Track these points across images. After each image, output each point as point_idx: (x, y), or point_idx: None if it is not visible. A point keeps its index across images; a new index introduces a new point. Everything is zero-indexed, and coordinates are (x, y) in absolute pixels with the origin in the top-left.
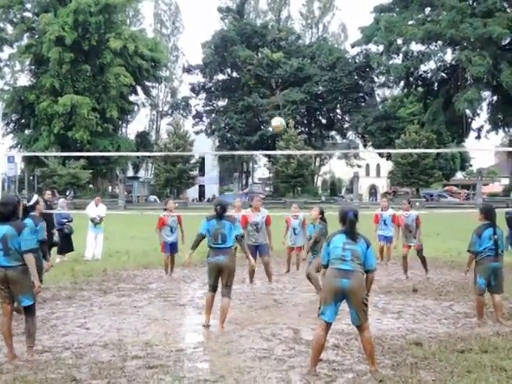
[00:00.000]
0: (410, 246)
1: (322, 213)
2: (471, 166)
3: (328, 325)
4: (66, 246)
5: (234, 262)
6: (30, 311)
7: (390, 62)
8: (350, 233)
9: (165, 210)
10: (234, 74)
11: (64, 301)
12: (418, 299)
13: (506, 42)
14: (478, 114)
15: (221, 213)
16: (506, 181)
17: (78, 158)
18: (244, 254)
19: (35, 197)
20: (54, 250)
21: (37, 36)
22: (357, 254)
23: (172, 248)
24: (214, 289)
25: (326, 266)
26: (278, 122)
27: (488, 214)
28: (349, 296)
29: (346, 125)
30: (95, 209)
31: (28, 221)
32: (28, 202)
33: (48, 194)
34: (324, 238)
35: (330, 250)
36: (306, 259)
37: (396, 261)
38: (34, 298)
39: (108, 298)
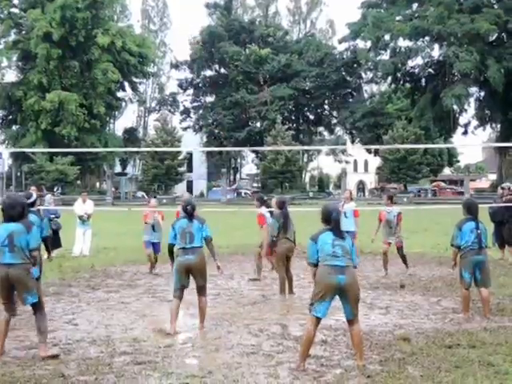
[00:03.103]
0: (390, 243)
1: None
2: (459, 161)
3: (318, 320)
4: (53, 242)
5: (203, 261)
6: (37, 308)
7: (378, 58)
8: (337, 230)
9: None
10: (222, 70)
11: (52, 297)
12: (405, 295)
13: (493, 37)
14: (466, 110)
15: (191, 212)
16: (493, 176)
17: (65, 154)
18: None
19: (34, 194)
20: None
21: (24, 32)
22: (346, 250)
23: (155, 248)
24: (181, 292)
25: (315, 265)
26: None
27: (469, 208)
28: (345, 292)
29: (334, 121)
30: (82, 205)
31: (33, 217)
32: (28, 199)
33: (33, 189)
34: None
35: (318, 247)
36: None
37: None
38: (38, 295)
39: (96, 294)
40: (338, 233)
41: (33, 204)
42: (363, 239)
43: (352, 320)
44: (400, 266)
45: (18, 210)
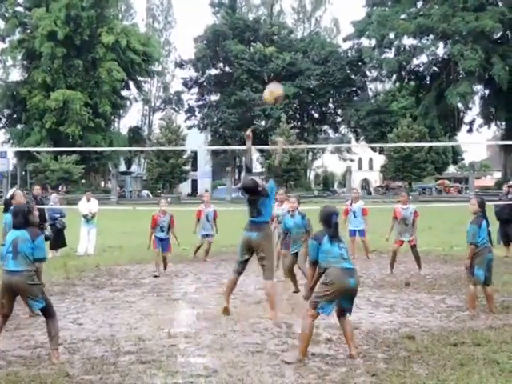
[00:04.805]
0: (402, 242)
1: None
2: (463, 159)
3: (318, 316)
4: (58, 241)
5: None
6: (46, 313)
7: (383, 56)
8: (337, 234)
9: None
10: (227, 69)
11: (56, 296)
12: (410, 293)
13: (498, 35)
14: (470, 108)
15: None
16: (498, 174)
17: (70, 153)
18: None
19: (12, 190)
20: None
21: (29, 31)
22: (348, 252)
23: (163, 245)
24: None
25: (315, 263)
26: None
27: (483, 205)
28: (352, 293)
29: (339, 119)
30: (87, 204)
31: (7, 217)
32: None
33: (37, 188)
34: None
35: (323, 248)
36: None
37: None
38: (44, 300)
39: (101, 293)
40: (338, 236)
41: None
42: (371, 237)
43: (347, 311)
44: (405, 264)
45: (19, 218)
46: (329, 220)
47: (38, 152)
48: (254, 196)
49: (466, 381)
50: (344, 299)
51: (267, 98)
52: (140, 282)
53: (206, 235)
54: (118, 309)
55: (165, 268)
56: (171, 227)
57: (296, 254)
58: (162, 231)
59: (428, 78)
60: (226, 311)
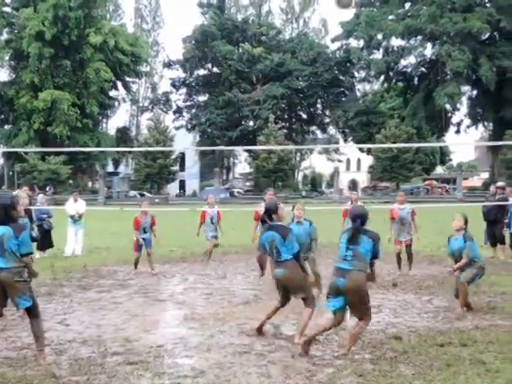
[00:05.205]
0: (401, 242)
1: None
2: (451, 160)
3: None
4: (45, 241)
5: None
6: (31, 313)
7: (371, 57)
8: (354, 235)
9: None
10: (215, 69)
11: (43, 297)
12: (397, 293)
13: (486, 36)
14: (458, 109)
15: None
16: (485, 175)
17: (57, 154)
18: None
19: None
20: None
21: (16, 31)
22: (358, 255)
23: (146, 243)
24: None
25: None
26: None
27: (467, 222)
28: (345, 294)
29: (327, 119)
30: (74, 205)
31: None
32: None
33: (25, 189)
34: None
35: (339, 245)
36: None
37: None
38: (32, 299)
39: (88, 294)
40: (355, 238)
41: None
42: None
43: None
44: (394, 264)
45: (1, 214)
46: (353, 219)
47: (26, 152)
48: None
49: (453, 381)
50: (348, 303)
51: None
52: (127, 283)
53: (213, 236)
54: (105, 310)
55: (151, 264)
56: (153, 225)
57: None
58: (145, 232)
59: (416, 79)
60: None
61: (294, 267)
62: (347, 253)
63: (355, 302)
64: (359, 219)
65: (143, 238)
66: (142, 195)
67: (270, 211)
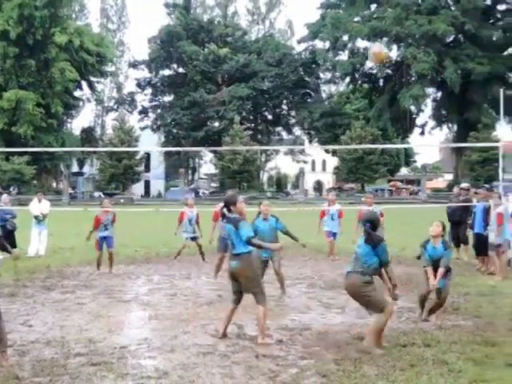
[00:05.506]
0: None
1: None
2: (415, 161)
3: None
4: (8, 242)
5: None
6: None
7: (336, 59)
8: (368, 239)
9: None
10: (180, 70)
11: (6, 298)
12: None
13: (451, 39)
14: (423, 111)
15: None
16: (449, 176)
17: (22, 154)
18: None
19: None
20: None
21: None
22: (358, 257)
23: (108, 242)
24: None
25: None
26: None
27: (445, 228)
28: (351, 295)
29: (292, 121)
30: (38, 205)
31: None
32: None
33: None
34: None
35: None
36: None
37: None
38: None
39: (51, 294)
40: (368, 240)
41: None
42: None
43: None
44: None
45: None
46: (364, 223)
47: None
48: None
49: (416, 381)
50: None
51: (375, 61)
52: (91, 284)
53: (192, 238)
54: (69, 310)
55: (111, 264)
56: (114, 222)
57: (267, 261)
58: (107, 229)
59: (381, 81)
60: None
61: (247, 261)
62: (355, 255)
63: (359, 302)
64: (369, 223)
65: (104, 237)
66: (111, 196)
67: (229, 203)
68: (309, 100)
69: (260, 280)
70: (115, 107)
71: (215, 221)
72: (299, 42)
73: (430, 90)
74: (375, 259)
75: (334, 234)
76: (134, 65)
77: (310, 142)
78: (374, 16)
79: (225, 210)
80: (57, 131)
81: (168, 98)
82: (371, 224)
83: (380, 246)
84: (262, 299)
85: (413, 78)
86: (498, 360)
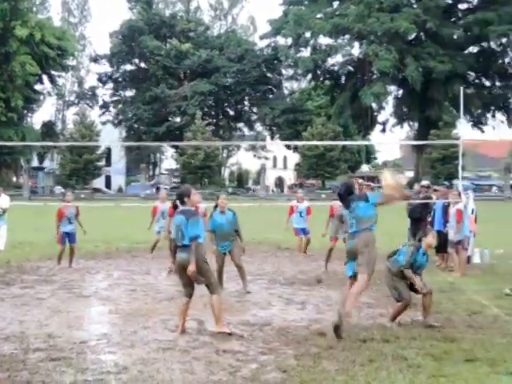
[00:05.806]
0: (337, 239)
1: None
2: (376, 158)
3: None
4: None
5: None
6: None
7: (298, 55)
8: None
9: (63, 201)
10: (142, 65)
11: None
12: (321, 290)
13: (412, 36)
14: (384, 108)
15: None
16: (410, 173)
17: None
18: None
19: None
20: None
21: None
22: (358, 217)
23: (70, 238)
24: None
25: None
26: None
27: None
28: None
29: (254, 117)
30: None
31: None
32: None
33: None
34: None
35: None
36: None
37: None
38: None
39: (11, 289)
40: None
41: None
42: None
43: None
44: (321, 262)
45: None
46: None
47: None
48: None
49: (374, 376)
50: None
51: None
52: (51, 279)
53: (159, 232)
54: (29, 305)
55: (71, 259)
56: (78, 215)
57: (225, 253)
58: (71, 223)
59: (343, 78)
60: None
61: (196, 252)
62: None
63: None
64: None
65: (67, 232)
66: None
67: (183, 195)
68: (271, 96)
69: (210, 270)
70: (76, 101)
71: (171, 215)
72: (261, 38)
73: (392, 88)
74: (376, 211)
75: (303, 231)
76: (95, 59)
77: (272, 138)
78: (337, 13)
79: (177, 201)
80: (17, 125)
81: (129, 93)
82: (347, 189)
83: (371, 196)
84: (215, 288)
85: (374, 76)
86: (456, 355)
